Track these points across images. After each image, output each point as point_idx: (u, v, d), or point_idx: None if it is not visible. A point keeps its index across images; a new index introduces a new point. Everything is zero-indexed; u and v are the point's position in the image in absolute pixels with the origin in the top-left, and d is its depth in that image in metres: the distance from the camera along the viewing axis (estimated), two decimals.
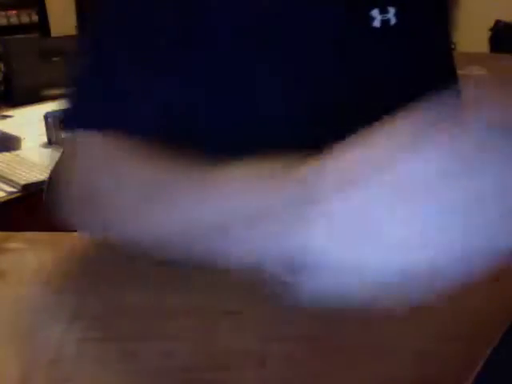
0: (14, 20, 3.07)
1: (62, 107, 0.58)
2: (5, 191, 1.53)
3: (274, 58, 0.63)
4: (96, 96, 0.57)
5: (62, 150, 0.59)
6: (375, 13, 0.63)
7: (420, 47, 0.69)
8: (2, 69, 2.75)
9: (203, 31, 0.58)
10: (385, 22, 0.64)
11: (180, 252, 0.45)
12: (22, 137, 1.86)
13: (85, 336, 0.49)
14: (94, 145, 0.55)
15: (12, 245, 0.59)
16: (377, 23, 0.63)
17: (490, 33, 3.35)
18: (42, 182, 1.44)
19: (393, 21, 0.64)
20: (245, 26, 0.60)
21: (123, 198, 0.51)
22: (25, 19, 3.14)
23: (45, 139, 1.83)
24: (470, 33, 3.68)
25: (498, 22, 3.32)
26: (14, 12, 3.07)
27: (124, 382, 0.45)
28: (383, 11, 0.63)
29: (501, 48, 3.13)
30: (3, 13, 3.08)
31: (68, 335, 0.49)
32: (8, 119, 2.13)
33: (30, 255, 0.56)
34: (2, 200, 1.51)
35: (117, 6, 0.59)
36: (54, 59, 2.22)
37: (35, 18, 3.18)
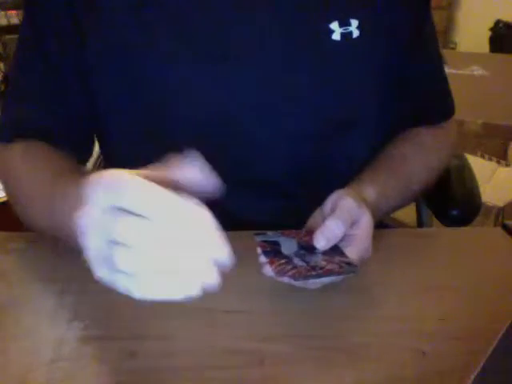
0: (14, 20, 3.07)
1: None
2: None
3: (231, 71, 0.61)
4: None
5: None
6: (334, 25, 0.61)
7: (384, 60, 0.66)
8: (2, 69, 2.75)
9: None
10: (346, 35, 0.61)
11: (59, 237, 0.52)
12: None
13: (85, 336, 0.49)
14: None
15: (12, 245, 0.59)
16: (336, 36, 0.61)
17: (489, 33, 3.36)
18: None
19: (355, 33, 0.62)
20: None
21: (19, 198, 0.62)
22: None
23: None
24: (470, 33, 3.69)
25: (498, 22, 3.32)
26: (13, 12, 3.07)
27: (124, 381, 0.45)
28: (344, 24, 0.61)
29: (501, 48, 3.14)
30: (3, 13, 3.08)
31: (68, 335, 0.49)
32: None
33: (30, 255, 0.56)
34: (2, 200, 1.51)
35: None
36: None
37: None
